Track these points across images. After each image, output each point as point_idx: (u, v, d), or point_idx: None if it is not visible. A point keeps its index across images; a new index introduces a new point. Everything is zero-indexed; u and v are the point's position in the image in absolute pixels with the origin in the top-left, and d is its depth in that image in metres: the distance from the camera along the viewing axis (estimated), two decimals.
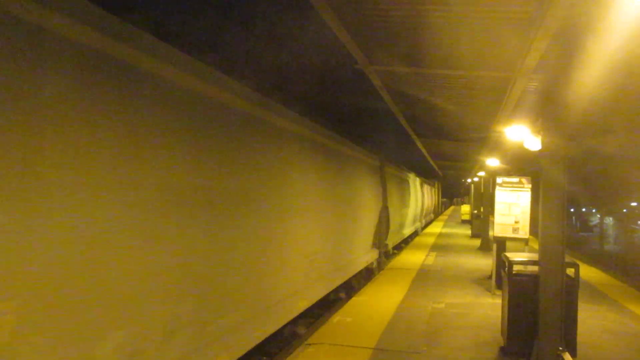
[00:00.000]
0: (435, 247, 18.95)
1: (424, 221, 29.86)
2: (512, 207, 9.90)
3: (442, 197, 69.35)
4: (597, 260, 16.39)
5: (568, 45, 4.97)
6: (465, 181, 43.22)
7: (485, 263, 14.00)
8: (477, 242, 19.78)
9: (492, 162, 14.46)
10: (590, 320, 8.07)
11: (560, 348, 5.12)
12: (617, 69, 5.62)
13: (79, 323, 3.08)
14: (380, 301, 9.13)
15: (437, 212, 45.98)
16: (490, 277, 10.82)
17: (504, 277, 6.65)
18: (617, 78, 6.18)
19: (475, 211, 25.08)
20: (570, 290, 5.89)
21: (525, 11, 4.95)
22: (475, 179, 26.31)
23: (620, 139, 11.28)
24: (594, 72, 5.11)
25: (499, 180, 10.24)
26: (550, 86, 5.31)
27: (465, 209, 37.73)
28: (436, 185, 43.86)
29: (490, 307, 8.83)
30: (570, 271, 5.99)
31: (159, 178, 3.97)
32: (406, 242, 21.66)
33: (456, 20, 5.58)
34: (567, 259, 5.69)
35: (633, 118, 9.35)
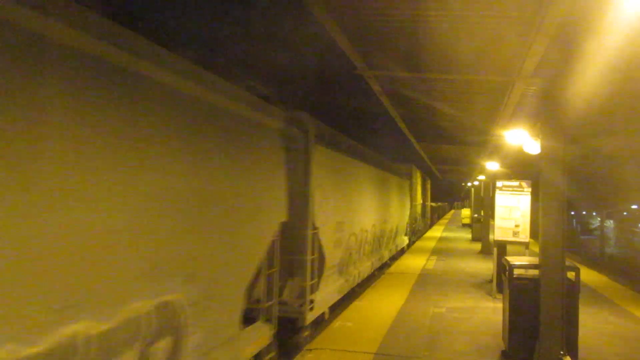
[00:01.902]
0: (436, 251, 18.93)
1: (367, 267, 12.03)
2: (513, 210, 9.90)
3: (437, 200, 56.36)
4: (598, 263, 16.37)
5: (566, 50, 4.99)
6: (466, 185, 43.24)
7: (486, 267, 13.98)
8: (477, 246, 19.76)
9: (492, 165, 14.47)
10: (592, 323, 8.05)
11: (562, 352, 5.11)
12: (616, 71, 5.63)
13: None
14: (381, 306, 9.11)
15: (417, 231, 24.79)
16: (491, 281, 10.80)
17: (505, 281, 6.65)
18: (615, 81, 6.19)
19: (476, 215, 25.08)
20: (571, 294, 5.88)
21: (522, 16, 4.97)
22: (476, 183, 26.31)
23: (619, 141, 11.29)
24: (592, 76, 5.13)
25: (499, 184, 10.26)
26: (549, 90, 5.32)
27: (466, 212, 37.76)
28: (418, 177, 23.59)
29: (492, 311, 8.81)
30: (571, 274, 5.98)
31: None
32: None
33: (454, 25, 5.60)
34: (568, 262, 5.69)
35: (632, 120, 9.36)
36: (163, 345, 3.83)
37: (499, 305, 7.83)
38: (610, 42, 4.55)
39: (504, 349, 6.51)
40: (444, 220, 47.79)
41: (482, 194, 21.20)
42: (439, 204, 56.04)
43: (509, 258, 6.72)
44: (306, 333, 7.19)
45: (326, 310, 8.18)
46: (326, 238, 8.04)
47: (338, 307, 9.16)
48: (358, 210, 10.70)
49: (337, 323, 7.87)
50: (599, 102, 6.94)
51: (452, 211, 74.32)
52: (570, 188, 5.30)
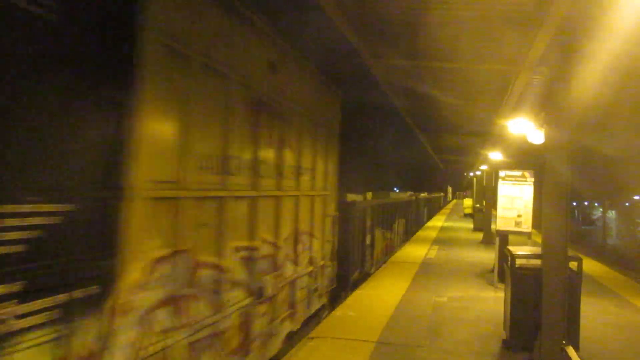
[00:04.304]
0: (438, 241, 18.95)
1: None
2: (515, 200, 9.89)
3: (434, 189, 44.90)
4: (600, 253, 16.38)
5: (573, 38, 4.93)
6: (468, 175, 43.17)
7: (488, 257, 13.99)
8: (479, 236, 19.77)
9: (495, 155, 14.43)
10: (593, 313, 8.06)
11: (564, 342, 5.12)
12: (622, 59, 5.57)
13: None
14: (383, 295, 9.13)
15: None
16: (492, 270, 10.82)
17: (507, 270, 6.65)
18: (621, 69, 6.14)
19: (478, 205, 25.06)
20: (573, 284, 5.88)
21: (528, 3, 4.92)
22: (478, 173, 26.26)
23: (623, 131, 11.23)
24: (598, 64, 5.07)
25: (501, 173, 10.22)
26: (554, 79, 5.27)
27: (468, 202, 37.76)
28: None
29: (493, 301, 8.83)
30: (573, 265, 5.98)
31: None
32: None
33: (458, 13, 5.55)
34: (570, 252, 5.68)
35: (636, 111, 9.30)
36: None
37: (500, 294, 7.84)
38: (618, 30, 4.50)
39: (505, 338, 6.53)
40: (445, 210, 47.79)
41: (484, 183, 21.17)
42: (429, 194, 37.24)
43: (511, 248, 6.71)
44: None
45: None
46: None
47: (339, 297, 9.24)
48: None
49: (338, 312, 7.89)
50: (605, 90, 6.88)
51: (455, 201, 74.35)
52: (573, 178, 5.26)
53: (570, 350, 5.04)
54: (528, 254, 6.47)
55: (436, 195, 42.46)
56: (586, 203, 38.08)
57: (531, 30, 5.37)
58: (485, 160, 18.21)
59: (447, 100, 10.17)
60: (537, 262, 6.04)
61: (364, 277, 11.21)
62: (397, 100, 10.62)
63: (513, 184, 9.94)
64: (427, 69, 8.13)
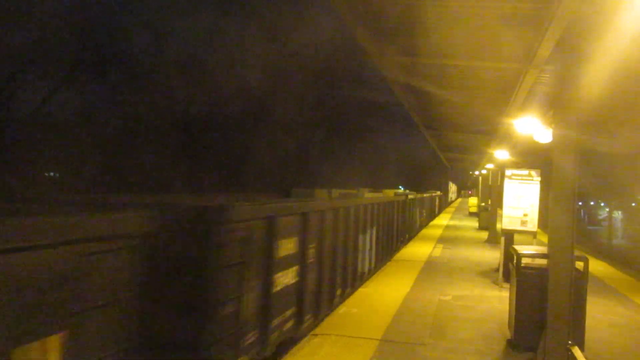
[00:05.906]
0: (442, 239, 18.92)
1: None
2: (521, 199, 9.84)
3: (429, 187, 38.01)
4: (606, 254, 16.30)
5: (581, 37, 4.88)
6: (473, 173, 43.06)
7: (493, 256, 13.95)
8: (484, 235, 19.72)
9: (501, 154, 14.36)
10: (599, 314, 8.02)
11: (569, 342, 5.09)
12: (631, 59, 5.52)
13: None
14: (387, 293, 9.12)
15: None
16: (497, 269, 10.78)
17: (512, 270, 6.61)
18: (630, 69, 6.08)
19: (483, 204, 24.99)
20: (579, 284, 5.85)
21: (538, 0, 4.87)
22: (484, 171, 26.17)
23: (631, 131, 11.15)
24: (607, 63, 5.02)
25: (508, 172, 10.17)
26: (562, 78, 5.22)
27: (473, 201, 37.75)
28: None
29: (498, 300, 8.80)
30: (579, 265, 5.94)
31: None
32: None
33: (465, 10, 5.51)
34: (576, 252, 5.64)
35: None
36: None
37: (505, 294, 7.82)
38: (628, 30, 4.45)
39: (509, 337, 6.51)
40: (450, 209, 47.70)
41: (490, 182, 21.10)
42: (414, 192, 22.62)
43: (517, 247, 6.68)
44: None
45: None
46: None
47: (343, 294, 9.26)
48: None
49: (342, 309, 7.89)
50: (613, 91, 6.82)
51: (459, 199, 74.33)
52: (579, 178, 5.22)
53: (576, 350, 5.01)
54: (534, 253, 6.43)
55: (425, 195, 26.15)
56: (592, 203, 37.90)
57: (539, 29, 5.32)
58: (492, 159, 18.14)
59: (453, 99, 10.12)
60: (543, 261, 6.01)
61: None
62: (404, 97, 10.59)
63: (519, 182, 9.89)
64: (432, 67, 8.10)
